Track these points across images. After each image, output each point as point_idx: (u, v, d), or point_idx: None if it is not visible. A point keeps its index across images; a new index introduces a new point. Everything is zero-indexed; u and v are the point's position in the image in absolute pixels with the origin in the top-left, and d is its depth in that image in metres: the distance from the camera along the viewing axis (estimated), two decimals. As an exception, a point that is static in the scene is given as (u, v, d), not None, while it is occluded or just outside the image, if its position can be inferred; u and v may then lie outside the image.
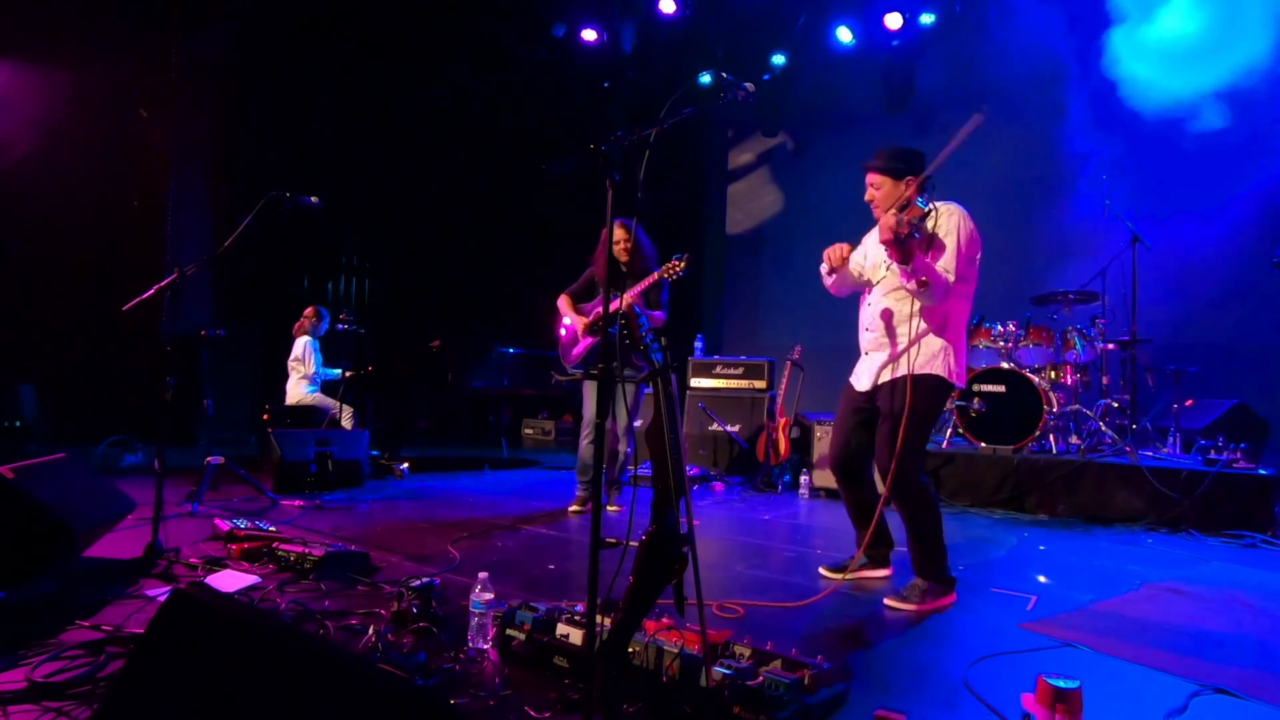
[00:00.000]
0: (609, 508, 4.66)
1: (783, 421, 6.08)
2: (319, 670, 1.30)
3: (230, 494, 4.85)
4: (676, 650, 1.95)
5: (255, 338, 7.96)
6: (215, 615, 1.38)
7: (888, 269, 3.09)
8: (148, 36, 7.64)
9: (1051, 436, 5.57)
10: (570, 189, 9.46)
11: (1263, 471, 4.60)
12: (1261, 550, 4.17)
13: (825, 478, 5.69)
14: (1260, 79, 6.48)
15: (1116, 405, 5.73)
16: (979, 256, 3.03)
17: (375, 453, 6.09)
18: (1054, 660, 2.39)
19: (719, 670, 1.87)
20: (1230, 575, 3.64)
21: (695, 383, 6.97)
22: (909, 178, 3.00)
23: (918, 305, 2.97)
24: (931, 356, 3.00)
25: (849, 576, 3.29)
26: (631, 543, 1.87)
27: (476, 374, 6.50)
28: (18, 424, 6.52)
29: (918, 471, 3.00)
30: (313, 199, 3.73)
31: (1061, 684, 1.74)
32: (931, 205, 2.95)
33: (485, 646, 2.23)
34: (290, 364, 6.49)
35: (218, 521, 3.65)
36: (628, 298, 4.28)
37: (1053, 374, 5.74)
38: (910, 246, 2.81)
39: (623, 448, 4.69)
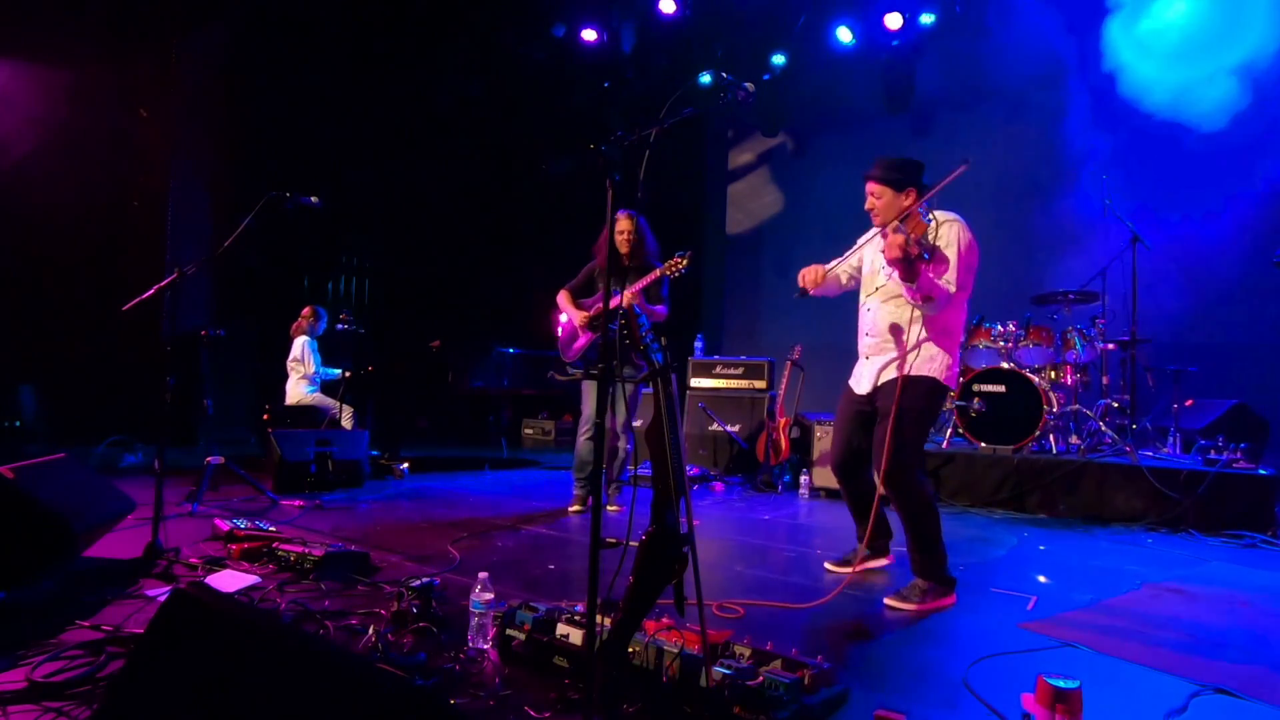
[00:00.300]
0: (609, 508, 4.66)
1: (783, 421, 6.08)
2: (319, 670, 1.30)
3: (230, 494, 4.85)
4: (676, 650, 1.95)
5: (255, 338, 7.96)
6: (215, 615, 1.38)
7: (887, 276, 3.12)
8: (148, 36, 7.65)
9: (1051, 436, 5.57)
10: (570, 189, 9.47)
11: (1263, 471, 4.61)
12: (1261, 550, 4.17)
13: (825, 477, 5.69)
14: (1262, 78, 6.47)
15: (1116, 405, 5.73)
16: (976, 264, 3.07)
17: (375, 453, 6.09)
18: (1054, 660, 2.39)
19: (719, 670, 1.87)
20: (1230, 575, 3.64)
21: (695, 383, 6.97)
22: (910, 189, 3.04)
23: (918, 312, 3.03)
24: (929, 360, 3.05)
25: (856, 569, 3.36)
26: (631, 543, 1.87)
27: (476, 374, 6.50)
28: (18, 424, 6.53)
29: (915, 471, 3.03)
30: (313, 199, 3.74)
31: (1061, 684, 1.74)
32: (932, 216, 2.97)
33: (485, 646, 2.23)
34: (289, 364, 6.49)
35: (218, 521, 3.65)
36: (628, 295, 4.28)
37: (1053, 374, 5.74)
38: (918, 265, 2.85)
39: (622, 445, 4.69)
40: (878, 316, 3.16)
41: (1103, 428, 5.47)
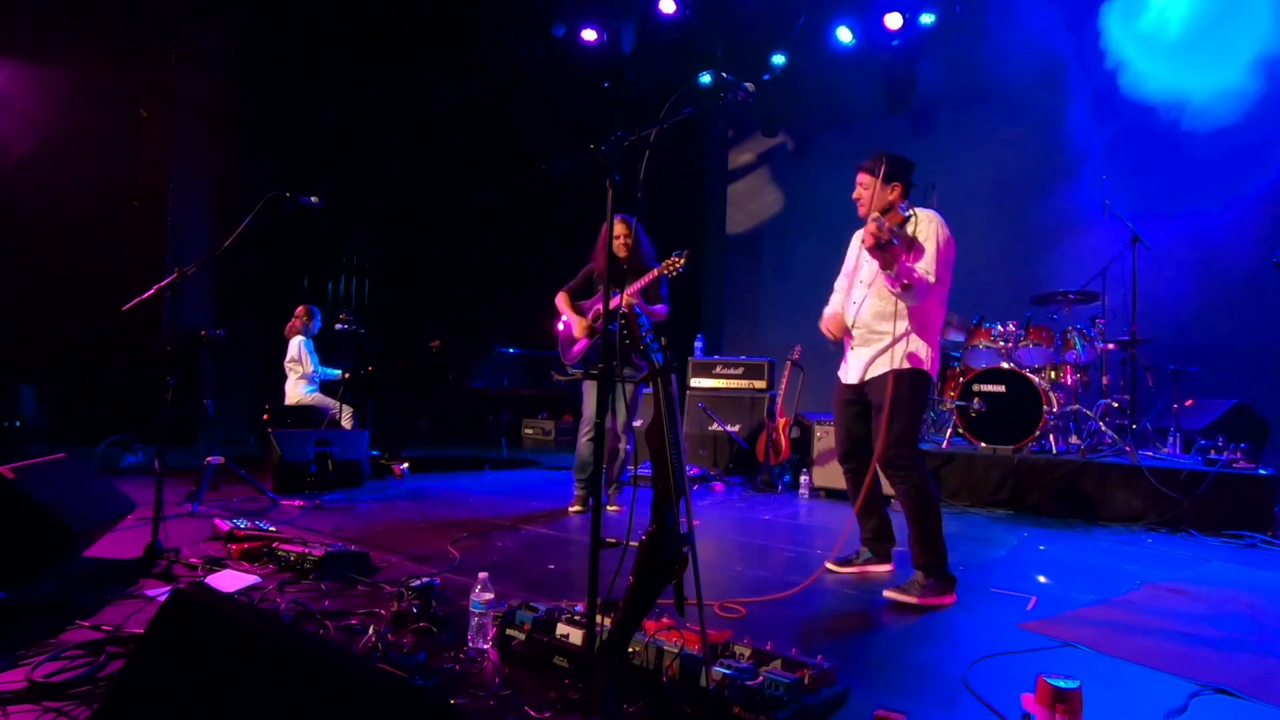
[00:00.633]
0: (609, 508, 4.66)
1: (783, 421, 6.08)
2: (319, 670, 1.30)
3: (230, 494, 4.85)
4: (676, 650, 1.95)
5: (255, 338, 7.96)
6: (215, 615, 1.38)
7: (873, 270, 3.25)
8: (148, 36, 7.64)
9: (1051, 436, 5.57)
10: (570, 189, 9.46)
11: (1263, 471, 4.61)
12: (1261, 550, 4.17)
13: (825, 477, 5.69)
14: (1262, 78, 6.47)
15: (1116, 405, 5.73)
16: (953, 260, 3.22)
17: (375, 453, 6.09)
18: (1054, 660, 2.39)
19: (719, 670, 1.87)
20: (1230, 575, 3.64)
21: (695, 383, 6.97)
22: (896, 184, 3.20)
23: (901, 305, 3.16)
24: (913, 351, 3.18)
25: (855, 570, 3.43)
26: (631, 543, 1.87)
27: (476, 374, 6.50)
28: (18, 424, 6.52)
29: (914, 458, 3.12)
30: (313, 199, 3.73)
31: (1061, 684, 1.74)
32: (912, 211, 3.14)
33: (485, 646, 2.23)
34: (287, 365, 6.49)
35: (218, 521, 3.65)
36: (627, 295, 4.29)
37: (1053, 374, 5.74)
38: (892, 251, 2.99)
39: (622, 446, 4.69)
40: (864, 308, 3.29)
41: (1103, 428, 5.47)
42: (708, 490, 5.96)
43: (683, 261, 4.18)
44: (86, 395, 7.21)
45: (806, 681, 1.90)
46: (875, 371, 3.21)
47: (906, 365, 3.14)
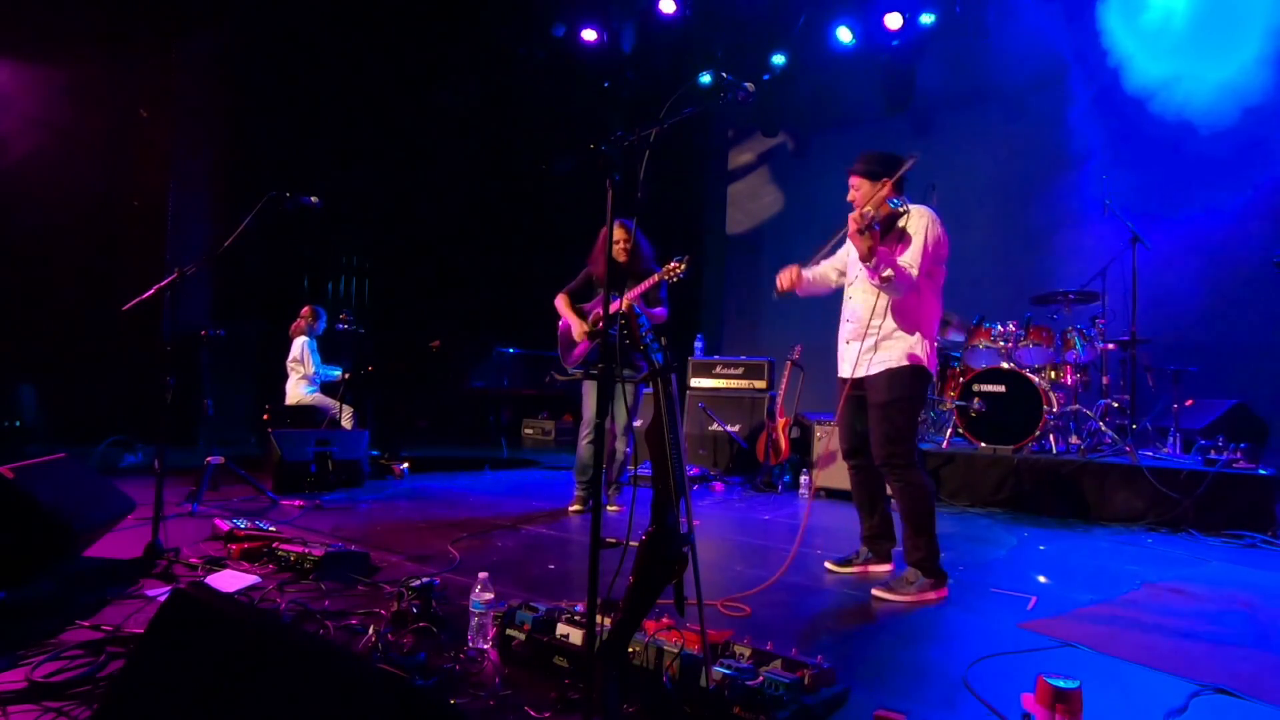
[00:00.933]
0: (609, 508, 4.66)
1: (783, 421, 6.08)
2: (319, 670, 1.30)
3: (230, 494, 4.85)
4: (676, 650, 1.95)
5: (255, 338, 7.96)
6: (215, 615, 1.38)
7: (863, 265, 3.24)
8: (148, 36, 7.64)
9: (1051, 436, 5.57)
10: (570, 189, 9.46)
11: (1263, 471, 4.60)
12: (1261, 550, 4.17)
13: (825, 478, 5.69)
14: (1263, 77, 6.47)
15: (1116, 405, 5.73)
16: (944, 257, 3.22)
17: (375, 453, 6.09)
18: (1054, 660, 2.39)
19: (719, 670, 1.87)
20: (1230, 575, 3.64)
21: (695, 383, 6.97)
22: (885, 179, 3.20)
23: (892, 299, 3.16)
24: (909, 348, 3.17)
25: (855, 570, 3.43)
26: (631, 543, 1.87)
27: (476, 374, 6.50)
28: (18, 424, 6.52)
29: (912, 457, 3.13)
30: (313, 199, 3.73)
31: (1061, 684, 1.74)
32: (905, 206, 3.15)
33: (485, 646, 2.23)
34: (289, 365, 6.49)
35: (218, 521, 3.65)
36: (627, 299, 4.29)
37: (1053, 374, 5.74)
38: (871, 240, 2.99)
39: (621, 447, 4.69)
40: (856, 303, 3.31)
41: (1103, 428, 5.47)
42: (708, 490, 5.96)
43: (683, 267, 4.18)
44: (86, 395, 7.21)
45: (806, 681, 1.90)
46: (872, 369, 3.20)
47: (903, 363, 3.14)
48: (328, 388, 6.50)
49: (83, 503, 2.93)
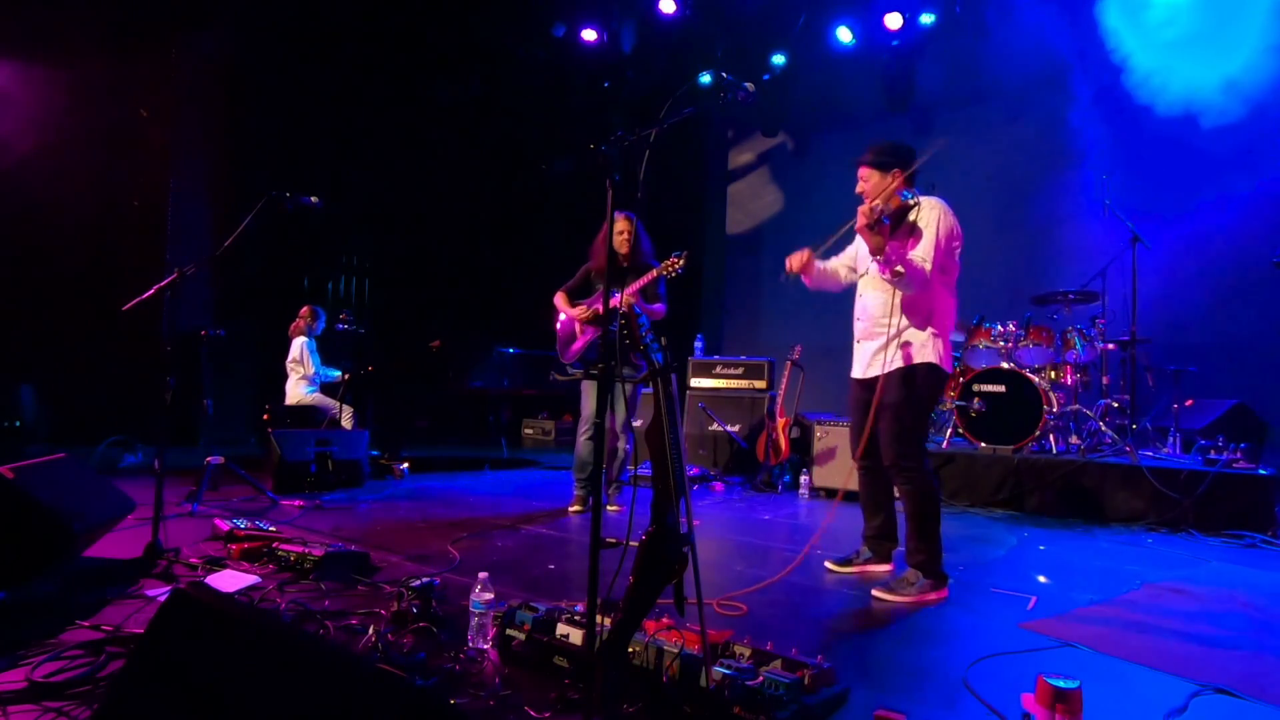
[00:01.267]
0: (609, 508, 4.66)
1: (783, 421, 6.08)
2: (319, 670, 1.30)
3: (230, 494, 4.85)
4: (676, 650, 1.95)
5: (255, 338, 7.96)
6: (215, 615, 1.38)
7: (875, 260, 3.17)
8: (148, 36, 7.64)
9: (1051, 436, 5.57)
10: (570, 189, 9.47)
11: (1263, 471, 4.60)
12: (1261, 550, 4.17)
13: (825, 477, 5.69)
14: (1264, 76, 6.46)
15: (1116, 405, 5.73)
16: (959, 248, 3.13)
17: (375, 453, 6.09)
18: (1054, 660, 2.39)
19: (719, 670, 1.87)
20: (1230, 575, 3.64)
21: (695, 383, 6.97)
22: (895, 170, 3.11)
23: (904, 296, 3.08)
24: (920, 345, 3.09)
25: (855, 570, 3.40)
26: (631, 543, 1.87)
27: (476, 374, 6.50)
28: (18, 424, 6.53)
29: (920, 458, 3.08)
30: (313, 199, 3.73)
31: (1061, 684, 1.74)
32: (916, 198, 3.07)
33: (485, 646, 2.23)
34: (288, 365, 6.49)
35: (218, 521, 3.65)
36: (627, 295, 4.29)
37: (1053, 374, 5.74)
38: (880, 233, 2.92)
39: (621, 445, 4.69)
40: (868, 300, 3.24)
41: (1103, 428, 5.47)
42: (708, 490, 5.96)
43: (682, 262, 4.18)
44: (86, 395, 7.21)
45: (806, 681, 1.90)
46: (884, 368, 3.14)
47: (916, 361, 3.07)
48: (328, 388, 6.50)
49: (83, 503, 2.93)
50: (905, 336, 3.10)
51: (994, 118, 8.05)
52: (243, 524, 3.49)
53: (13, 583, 2.56)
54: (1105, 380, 5.88)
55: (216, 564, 3.09)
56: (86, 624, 2.33)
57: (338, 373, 6.48)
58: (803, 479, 5.82)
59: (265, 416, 6.24)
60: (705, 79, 7.42)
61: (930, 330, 3.09)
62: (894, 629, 2.71)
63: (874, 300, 3.20)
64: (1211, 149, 6.70)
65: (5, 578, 2.55)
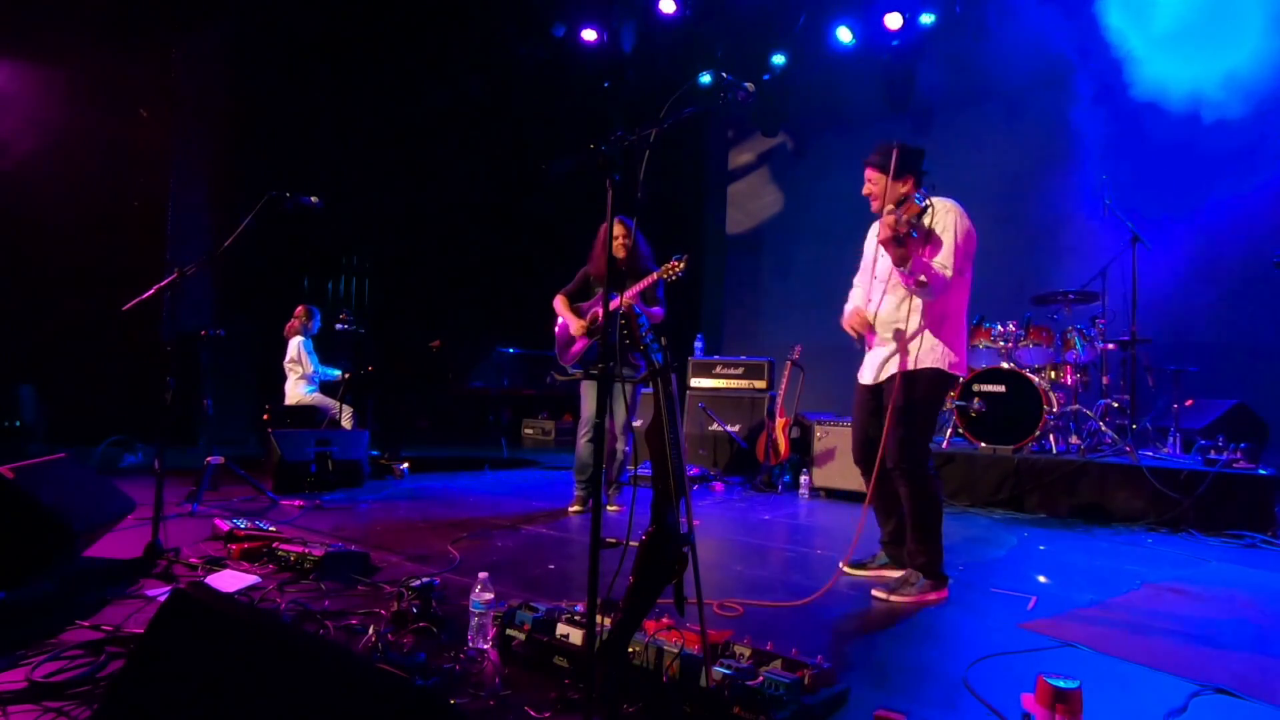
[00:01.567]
0: (609, 508, 4.66)
1: (783, 421, 6.08)
2: (319, 670, 1.30)
3: (230, 494, 4.85)
4: (676, 650, 1.95)
5: (255, 338, 7.96)
6: (215, 615, 1.38)
7: (889, 267, 3.13)
8: (148, 36, 7.64)
9: (1051, 436, 5.57)
10: (571, 189, 9.46)
11: (1263, 471, 4.60)
12: (1261, 550, 4.17)
13: (825, 478, 5.69)
14: (1265, 77, 6.46)
15: (1116, 405, 5.73)
16: (974, 251, 3.10)
17: (375, 453, 6.09)
18: (1054, 660, 2.39)
19: (719, 670, 1.87)
20: (1230, 575, 3.64)
21: (695, 383, 6.97)
22: (907, 176, 3.08)
23: (918, 301, 3.04)
24: (930, 350, 3.06)
25: (869, 574, 3.35)
26: (631, 543, 1.87)
27: (476, 374, 6.50)
28: (18, 424, 6.52)
29: (924, 462, 3.06)
30: (313, 199, 3.73)
31: (1061, 684, 1.74)
32: (929, 201, 3.01)
33: (485, 646, 2.23)
34: (286, 365, 6.49)
35: (218, 521, 3.65)
36: (626, 297, 4.30)
37: (1053, 374, 5.74)
38: (911, 245, 2.88)
39: (621, 446, 4.69)
40: (880, 307, 3.18)
41: (1103, 428, 5.47)
42: (708, 490, 5.96)
43: (681, 266, 4.17)
44: (86, 395, 7.20)
45: (806, 681, 1.90)
46: (891, 370, 3.10)
47: (924, 365, 3.04)
48: (327, 388, 6.50)
49: (83, 503, 2.93)
50: (918, 341, 3.06)
51: (994, 118, 8.05)
52: (243, 524, 3.49)
53: (13, 583, 2.56)
54: (1105, 380, 5.88)
55: (216, 564, 3.10)
56: (86, 624, 2.33)
57: (337, 372, 6.48)
58: (803, 479, 5.82)
59: (265, 416, 6.24)
60: (705, 79, 7.42)
61: (943, 334, 3.06)
62: (894, 629, 2.71)
63: (888, 306, 3.15)
64: (1212, 148, 6.70)
65: (5, 578, 2.55)
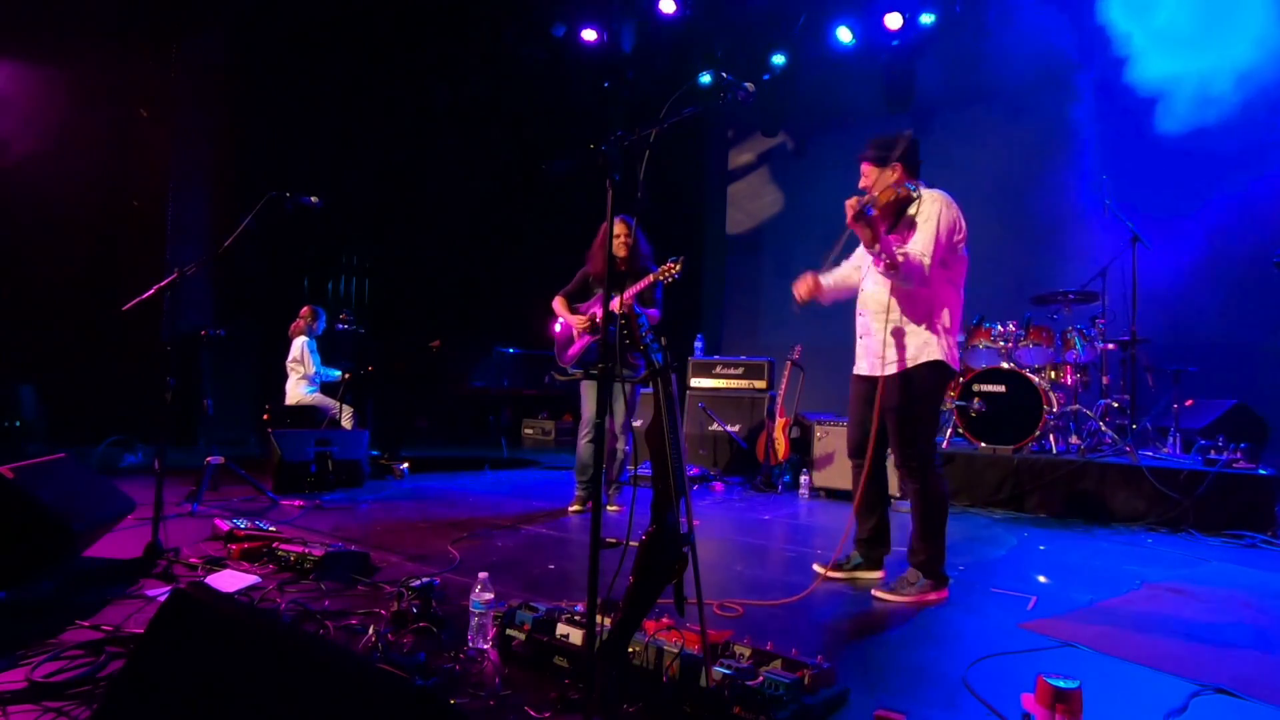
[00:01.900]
0: (609, 508, 4.66)
1: (782, 421, 6.08)
2: (319, 670, 1.30)
3: (230, 494, 4.85)
4: (676, 650, 1.95)
5: (255, 338, 7.96)
6: (215, 615, 1.38)
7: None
8: (148, 36, 7.64)
9: (1051, 436, 5.57)
10: (570, 189, 9.46)
11: (1263, 471, 4.60)
12: (1261, 550, 4.17)
13: (825, 478, 5.69)
14: (1266, 76, 6.46)
15: (1116, 405, 5.73)
16: (962, 242, 3.06)
17: (375, 453, 6.09)
18: (1054, 660, 2.39)
19: (719, 670, 1.87)
20: (1230, 575, 3.64)
21: (695, 383, 6.97)
22: (895, 164, 3.08)
23: (903, 291, 3.02)
24: (924, 344, 3.04)
25: (844, 576, 3.32)
26: (631, 543, 1.87)
27: (476, 374, 6.50)
28: (18, 424, 6.52)
29: (930, 457, 3.04)
30: (313, 199, 3.73)
31: (1061, 684, 1.74)
32: (918, 190, 3.02)
33: (485, 646, 2.23)
34: (289, 365, 6.49)
35: (218, 521, 3.65)
36: (625, 298, 4.30)
37: (1053, 374, 5.74)
38: (873, 224, 2.86)
39: (621, 446, 4.69)
40: (869, 296, 3.19)
41: (1103, 428, 5.47)
42: (708, 490, 5.96)
43: (678, 268, 4.16)
44: (86, 395, 7.20)
45: (806, 681, 1.90)
46: (886, 370, 3.07)
47: (919, 360, 3.01)
48: (328, 388, 6.50)
49: (83, 503, 2.93)
50: (908, 334, 3.04)
51: (994, 117, 8.05)
52: (243, 524, 3.49)
53: (13, 583, 2.56)
54: (1105, 380, 5.88)
55: (216, 564, 3.10)
56: (86, 624, 2.33)
57: (338, 373, 6.48)
58: (803, 479, 5.82)
59: (265, 416, 6.24)
60: (705, 79, 7.42)
61: (934, 327, 3.03)
62: (894, 629, 2.71)
63: (874, 296, 3.13)
64: (1212, 148, 6.70)
65: (5, 578, 2.55)
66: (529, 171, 9.98)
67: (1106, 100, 7.23)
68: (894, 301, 3.03)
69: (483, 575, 2.29)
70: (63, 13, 7.27)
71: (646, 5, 8.38)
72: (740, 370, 6.87)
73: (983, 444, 5.50)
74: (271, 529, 3.51)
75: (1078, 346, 5.71)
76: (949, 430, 5.91)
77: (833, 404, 7.02)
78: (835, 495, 5.60)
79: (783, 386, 6.25)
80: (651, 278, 4.29)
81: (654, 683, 1.93)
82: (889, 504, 3.43)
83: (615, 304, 4.23)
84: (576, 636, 2.11)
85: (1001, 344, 5.74)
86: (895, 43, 8.08)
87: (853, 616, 2.86)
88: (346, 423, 6.30)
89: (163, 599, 1.45)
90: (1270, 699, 2.10)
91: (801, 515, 5.08)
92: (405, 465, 6.10)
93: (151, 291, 3.37)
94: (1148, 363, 6.04)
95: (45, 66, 7.25)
